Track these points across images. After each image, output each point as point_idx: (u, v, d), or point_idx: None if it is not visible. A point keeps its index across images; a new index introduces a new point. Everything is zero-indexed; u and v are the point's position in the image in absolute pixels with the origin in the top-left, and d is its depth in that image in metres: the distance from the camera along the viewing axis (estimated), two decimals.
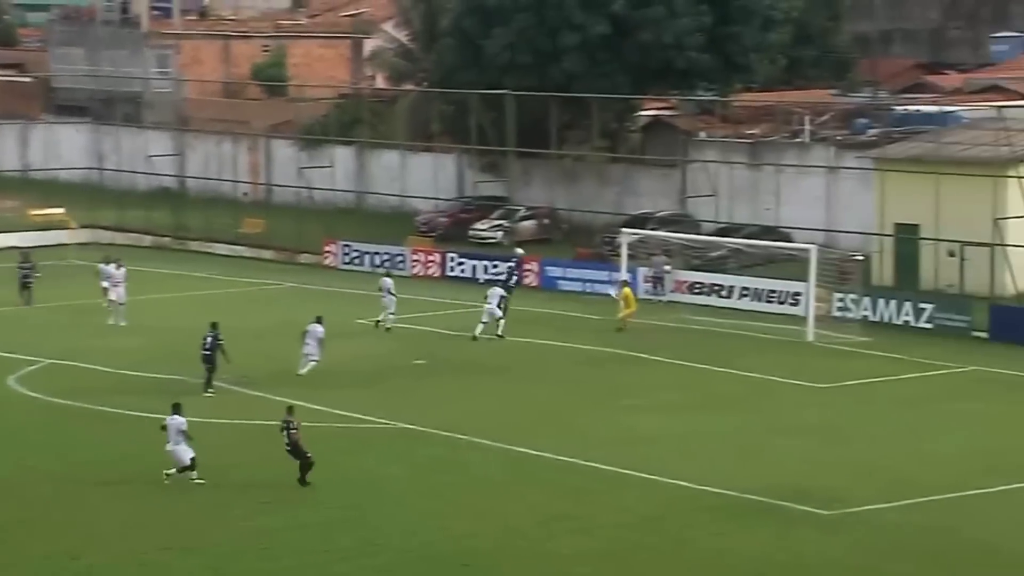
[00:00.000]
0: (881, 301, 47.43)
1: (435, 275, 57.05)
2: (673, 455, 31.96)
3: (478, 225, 63.81)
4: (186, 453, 29.41)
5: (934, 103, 61.51)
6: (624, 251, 49.86)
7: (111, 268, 48.01)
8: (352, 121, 73.71)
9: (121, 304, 46.99)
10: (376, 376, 40.10)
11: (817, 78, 73.61)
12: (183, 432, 29.53)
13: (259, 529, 27.02)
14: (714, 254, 54.30)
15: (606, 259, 55.21)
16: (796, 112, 64.34)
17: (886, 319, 46.82)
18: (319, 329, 39.39)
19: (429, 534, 26.95)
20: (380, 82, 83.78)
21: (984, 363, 41.63)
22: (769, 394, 38.23)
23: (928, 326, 46.11)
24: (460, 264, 57.12)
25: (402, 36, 79.39)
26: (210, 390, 37.22)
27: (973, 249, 49.30)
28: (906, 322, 46.56)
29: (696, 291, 50.13)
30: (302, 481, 29.38)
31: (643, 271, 50.78)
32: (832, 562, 25.59)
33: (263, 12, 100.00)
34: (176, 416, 29.70)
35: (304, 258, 61.28)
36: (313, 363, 39.08)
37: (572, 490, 27.61)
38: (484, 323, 44.23)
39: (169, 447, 29.53)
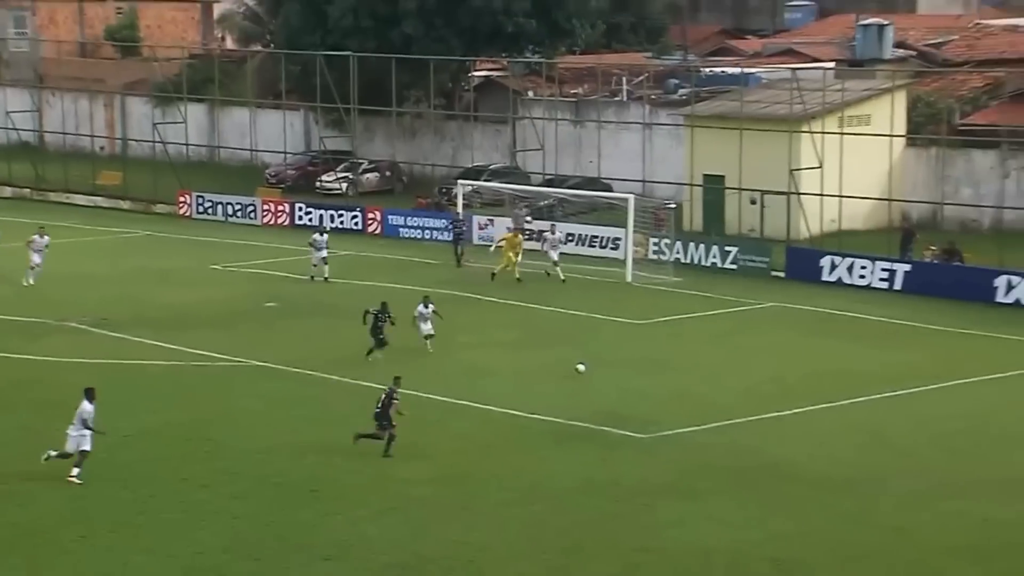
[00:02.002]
0: (691, 245, 48.18)
1: (284, 224, 56.53)
2: (505, 387, 32.21)
3: (324, 177, 63.41)
4: (81, 443, 25.24)
5: (736, 65, 62.34)
6: (460, 200, 49.95)
7: (36, 237, 44.95)
8: (203, 80, 72.33)
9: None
10: (230, 318, 39.65)
11: (633, 42, 74.25)
12: (85, 421, 25.30)
13: (119, 462, 26.59)
14: (542, 203, 54.62)
15: (443, 208, 55.29)
16: (615, 73, 64.81)
17: (696, 261, 47.59)
18: None
19: (282, 463, 26.82)
20: (230, 43, 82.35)
21: (782, 299, 42.55)
22: (592, 330, 38.65)
23: (733, 267, 46.95)
24: (308, 213, 56.65)
25: (249, 0, 78.09)
26: (370, 357, 34.15)
27: (771, 197, 50.35)
28: (713, 264, 47.36)
29: (527, 237, 50.34)
30: (386, 451, 26.82)
31: (489, 220, 50.72)
32: (648, 480, 26.02)
33: None
34: (86, 404, 25.35)
35: (159, 208, 60.29)
36: None
37: (413, 420, 27.63)
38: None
39: (70, 431, 25.41)
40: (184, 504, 24.58)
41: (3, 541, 22.84)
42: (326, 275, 44.51)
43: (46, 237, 44.86)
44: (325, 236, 45.57)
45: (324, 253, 44.86)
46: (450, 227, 49.75)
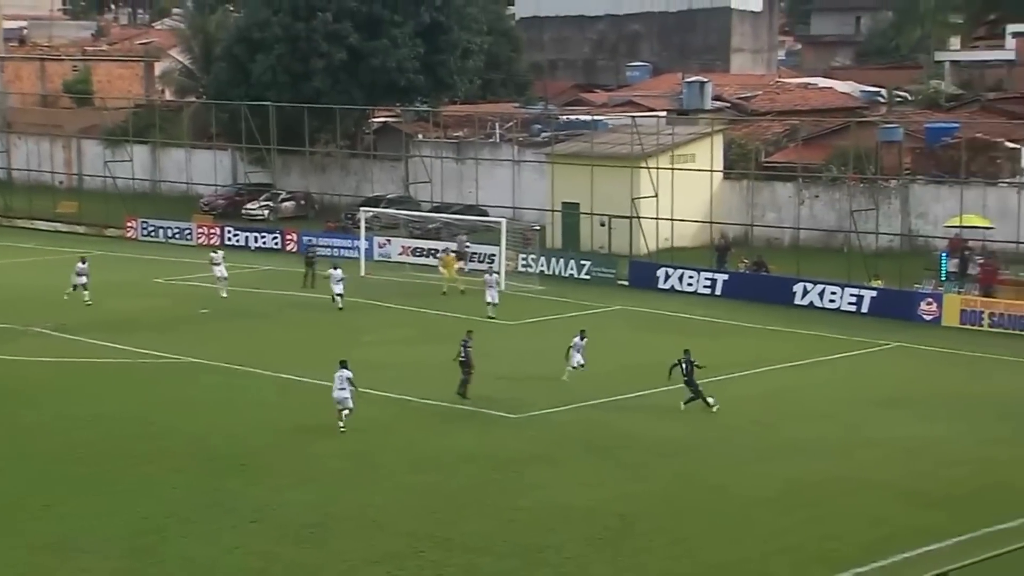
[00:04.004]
0: (553, 259, 48.34)
1: (216, 244, 55.49)
2: (401, 377, 31.97)
3: (249, 205, 62.47)
4: (345, 400, 26.28)
5: (588, 113, 62.79)
6: (363, 224, 49.55)
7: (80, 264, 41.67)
8: (147, 125, 70.99)
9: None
10: (171, 323, 38.85)
11: (504, 95, 74.37)
12: (350, 379, 26.33)
13: (76, 442, 25.89)
14: (431, 226, 54.42)
15: (348, 231, 54.81)
16: (489, 119, 64.84)
17: (557, 273, 47.76)
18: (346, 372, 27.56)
19: (215, 442, 26.33)
20: (168, 95, 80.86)
21: (626, 303, 42.87)
22: (472, 329, 38.39)
23: (587, 277, 47.19)
24: (236, 235, 55.77)
25: (185, 60, 76.78)
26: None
27: (617, 220, 50.74)
28: (571, 275, 47.57)
29: (417, 254, 50.24)
30: (462, 394, 27.08)
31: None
32: (520, 451, 26.03)
33: (72, 39, 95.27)
34: (344, 371, 26.28)
35: (110, 232, 58.88)
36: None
37: (325, 406, 27.30)
38: None
39: (336, 392, 26.42)
40: (132, 477, 23.99)
41: None
42: (223, 294, 42.02)
43: (86, 263, 41.63)
44: (220, 253, 44.06)
45: (222, 270, 42.17)
46: (305, 252, 46.27)
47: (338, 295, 40.49)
